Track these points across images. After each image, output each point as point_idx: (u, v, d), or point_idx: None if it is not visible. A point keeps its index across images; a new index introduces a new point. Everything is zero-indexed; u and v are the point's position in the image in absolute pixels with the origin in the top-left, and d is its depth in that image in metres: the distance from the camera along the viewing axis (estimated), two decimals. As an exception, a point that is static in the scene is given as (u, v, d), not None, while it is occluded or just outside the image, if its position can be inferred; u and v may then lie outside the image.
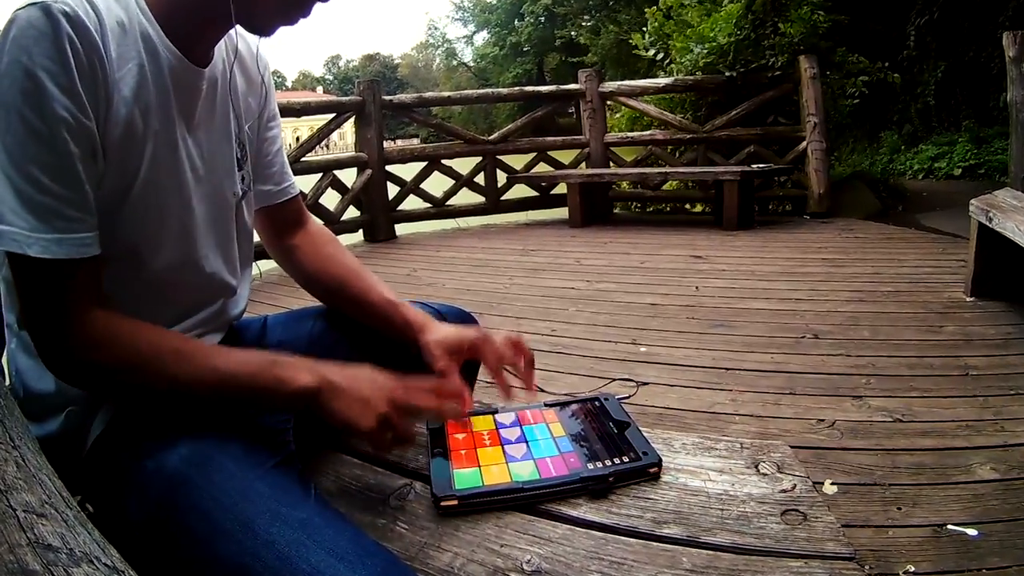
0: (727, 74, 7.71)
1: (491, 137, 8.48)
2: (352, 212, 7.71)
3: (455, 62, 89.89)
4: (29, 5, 1.01)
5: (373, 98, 7.64)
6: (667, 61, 9.28)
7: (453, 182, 8.21)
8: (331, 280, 1.58)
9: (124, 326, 1.13)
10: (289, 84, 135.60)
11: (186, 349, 1.16)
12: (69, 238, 1.05)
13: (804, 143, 7.31)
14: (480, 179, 8.37)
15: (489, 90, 10.15)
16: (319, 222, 1.71)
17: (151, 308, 1.24)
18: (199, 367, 1.14)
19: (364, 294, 1.53)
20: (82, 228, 1.06)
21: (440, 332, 1.44)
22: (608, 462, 1.24)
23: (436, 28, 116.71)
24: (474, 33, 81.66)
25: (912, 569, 1.70)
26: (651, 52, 9.81)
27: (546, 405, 1.49)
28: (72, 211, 1.05)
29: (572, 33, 50.66)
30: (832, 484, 2.07)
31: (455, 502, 1.17)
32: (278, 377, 1.15)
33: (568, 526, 1.12)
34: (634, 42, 10.12)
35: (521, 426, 1.40)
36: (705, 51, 8.01)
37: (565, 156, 8.83)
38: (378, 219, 7.77)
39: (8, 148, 1.00)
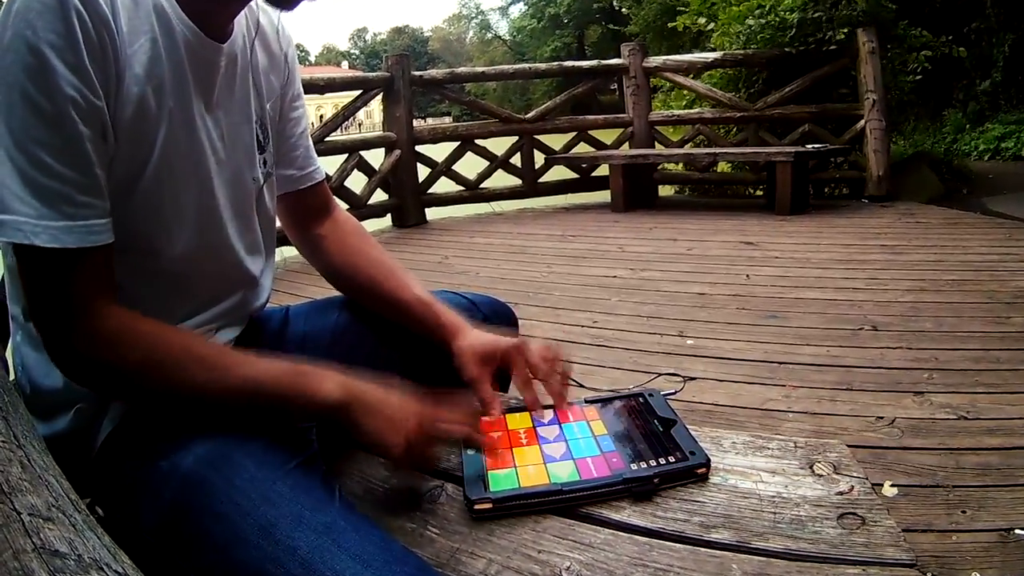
0: (790, 49, 7.61)
1: (528, 115, 8.43)
2: (380, 195, 7.72)
3: (489, 35, 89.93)
4: None
5: (402, 74, 7.63)
6: (714, 32, 9.22)
7: (487, 163, 8.21)
8: (361, 276, 1.57)
9: (143, 326, 1.12)
10: (312, 59, 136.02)
11: (210, 355, 1.16)
12: (79, 225, 1.02)
13: (862, 122, 7.22)
14: (516, 160, 8.36)
15: (526, 65, 10.07)
16: (345, 210, 1.71)
17: (166, 301, 1.23)
18: (224, 375, 1.13)
19: (396, 292, 1.52)
20: (93, 214, 1.04)
21: (473, 338, 1.44)
22: (653, 462, 1.21)
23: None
24: (510, 4, 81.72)
25: (977, 576, 1.70)
26: (701, 20, 9.75)
27: (586, 402, 1.46)
28: (82, 196, 1.03)
29: (614, 3, 50.37)
30: (892, 486, 2.06)
31: (489, 505, 1.15)
32: (305, 388, 1.15)
33: (610, 531, 1.10)
34: (677, 25, 10.09)
35: (560, 424, 1.38)
36: (763, 23, 7.93)
37: (607, 136, 8.77)
38: (407, 203, 7.78)
39: (12, 130, 0.98)
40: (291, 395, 1.15)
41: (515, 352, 1.41)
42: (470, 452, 1.29)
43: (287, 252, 5.26)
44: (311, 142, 1.61)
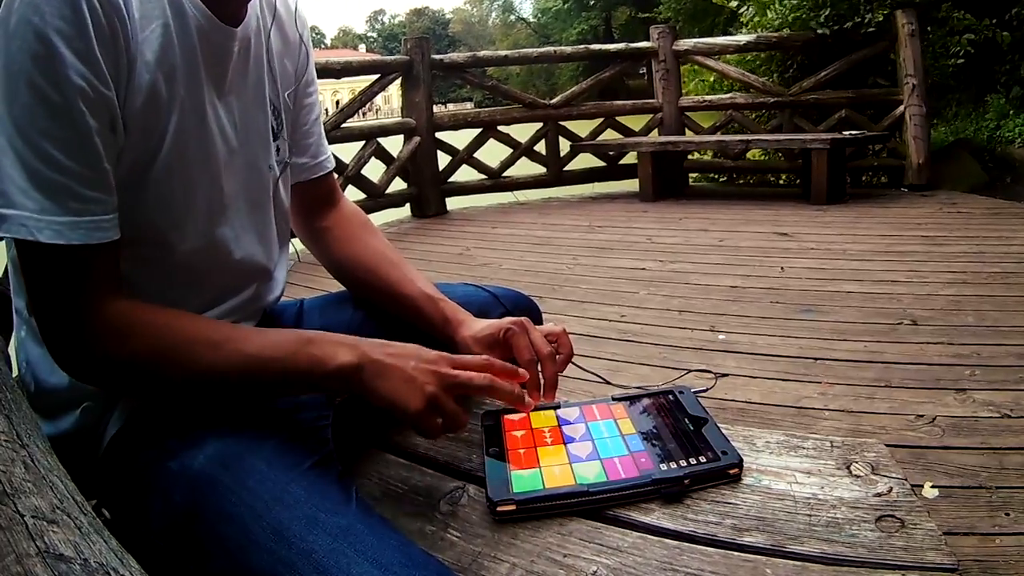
0: (819, 31, 7.57)
1: (553, 101, 8.39)
2: (398, 184, 7.71)
3: (513, 17, 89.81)
4: None
5: (421, 57, 7.62)
6: (752, 15, 9.20)
7: (510, 151, 8.19)
8: (364, 269, 1.58)
9: (149, 315, 1.12)
10: (328, 42, 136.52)
11: (215, 334, 1.15)
12: (85, 221, 1.02)
13: (901, 107, 7.16)
14: (540, 148, 8.33)
15: (551, 48, 10.02)
16: (352, 202, 1.71)
17: (177, 296, 1.23)
18: (231, 352, 1.12)
19: (401, 286, 1.52)
20: (99, 210, 1.04)
21: (474, 327, 1.43)
22: (683, 462, 1.21)
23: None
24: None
25: (1021, 582, 1.68)
26: (733, 3, 9.74)
27: (614, 399, 1.45)
28: (88, 191, 1.02)
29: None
30: (932, 487, 2.05)
31: (513, 507, 1.15)
32: (315, 356, 1.14)
33: (639, 534, 1.10)
34: None
35: (586, 423, 1.37)
36: (795, 3, 7.87)
37: (635, 122, 8.71)
38: (427, 192, 7.78)
39: (17, 121, 0.97)
40: (302, 363, 1.14)
41: (517, 329, 1.39)
42: (492, 451, 1.28)
43: (301, 244, 5.26)
44: (323, 130, 1.61)
